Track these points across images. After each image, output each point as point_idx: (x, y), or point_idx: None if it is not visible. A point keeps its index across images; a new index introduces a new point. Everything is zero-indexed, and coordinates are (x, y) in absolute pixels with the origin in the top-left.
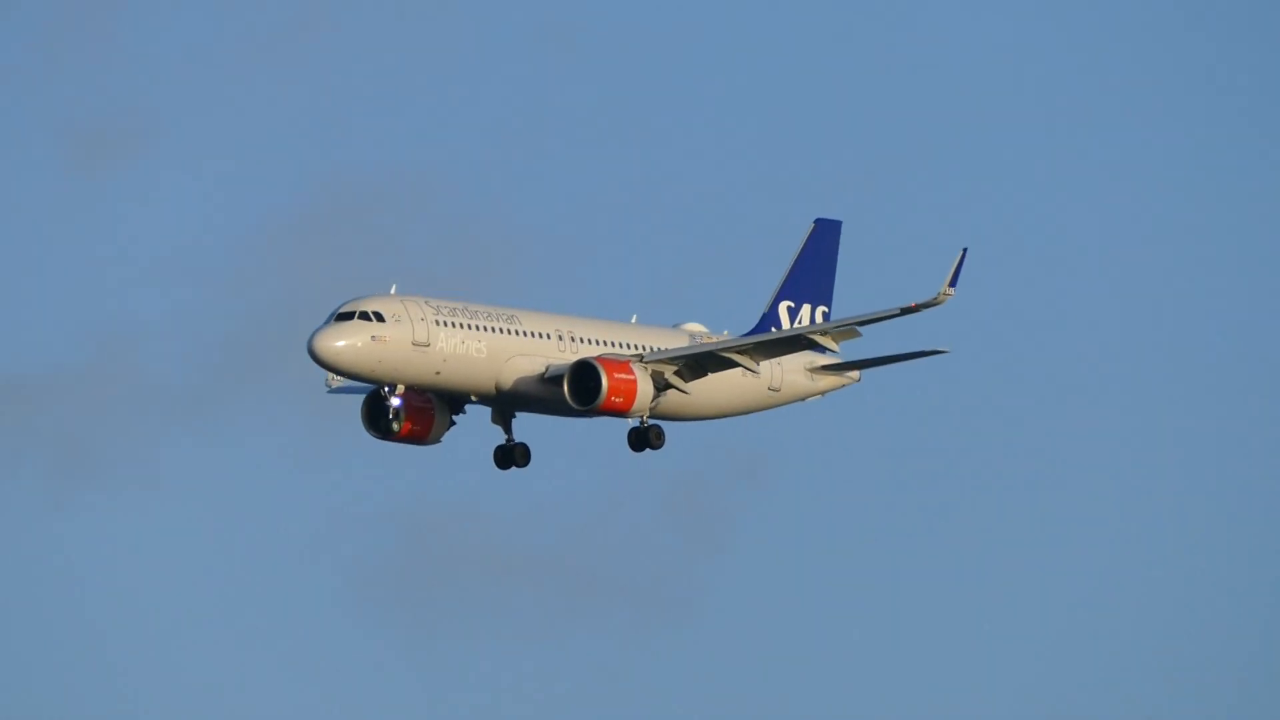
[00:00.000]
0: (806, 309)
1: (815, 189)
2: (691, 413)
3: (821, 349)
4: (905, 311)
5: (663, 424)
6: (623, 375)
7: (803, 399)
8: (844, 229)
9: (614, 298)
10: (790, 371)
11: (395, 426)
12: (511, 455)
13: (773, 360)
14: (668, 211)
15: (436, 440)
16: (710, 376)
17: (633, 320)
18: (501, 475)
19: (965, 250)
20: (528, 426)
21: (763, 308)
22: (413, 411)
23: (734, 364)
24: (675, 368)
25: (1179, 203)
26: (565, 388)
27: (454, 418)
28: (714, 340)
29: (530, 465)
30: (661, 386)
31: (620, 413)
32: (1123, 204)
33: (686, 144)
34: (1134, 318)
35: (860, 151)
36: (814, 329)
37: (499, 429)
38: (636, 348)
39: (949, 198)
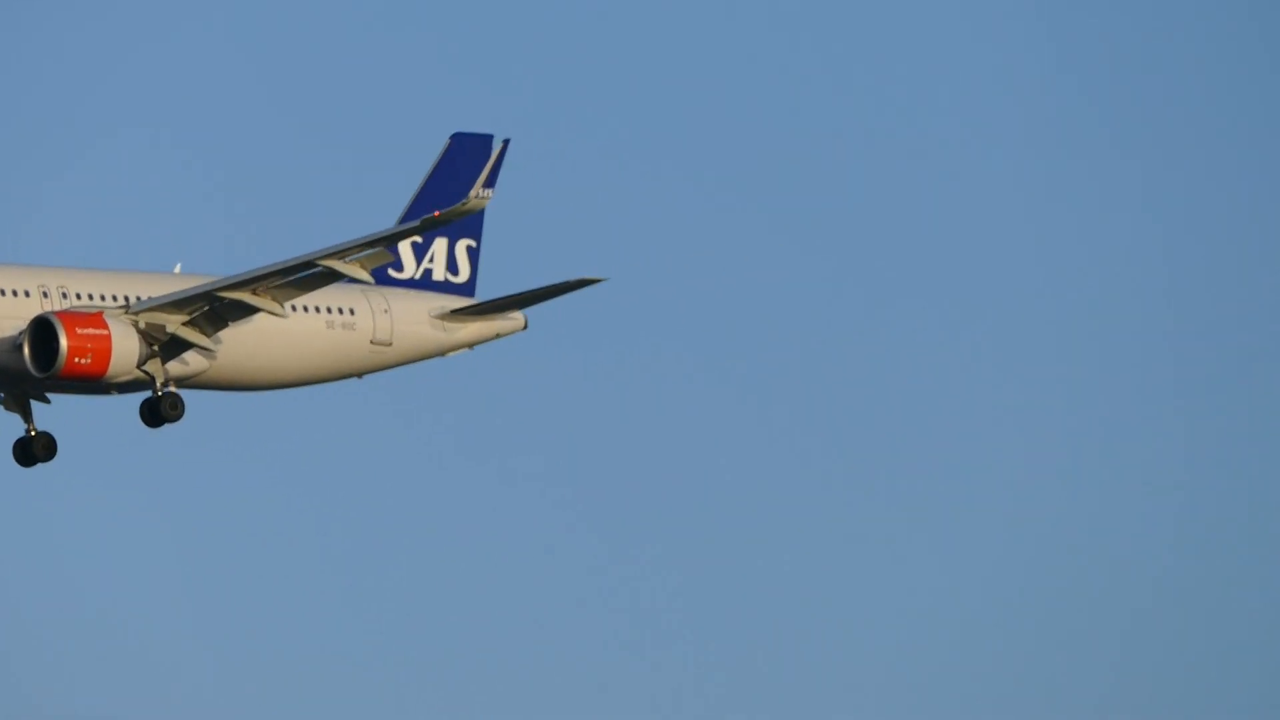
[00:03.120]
0: (441, 244)
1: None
2: (266, 379)
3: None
4: (427, 224)
5: (229, 393)
6: (90, 330)
7: (441, 354)
8: (511, 146)
9: (182, 245)
10: (406, 321)
11: None
12: (31, 448)
13: (377, 309)
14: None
15: None
16: (282, 333)
17: (175, 270)
18: (25, 473)
19: (507, 142)
20: (52, 412)
21: None
22: None
23: (255, 309)
24: (183, 317)
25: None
26: (26, 351)
27: None
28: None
29: (56, 457)
30: (166, 343)
31: (94, 376)
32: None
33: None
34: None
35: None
36: (320, 253)
37: (17, 418)
38: (139, 299)
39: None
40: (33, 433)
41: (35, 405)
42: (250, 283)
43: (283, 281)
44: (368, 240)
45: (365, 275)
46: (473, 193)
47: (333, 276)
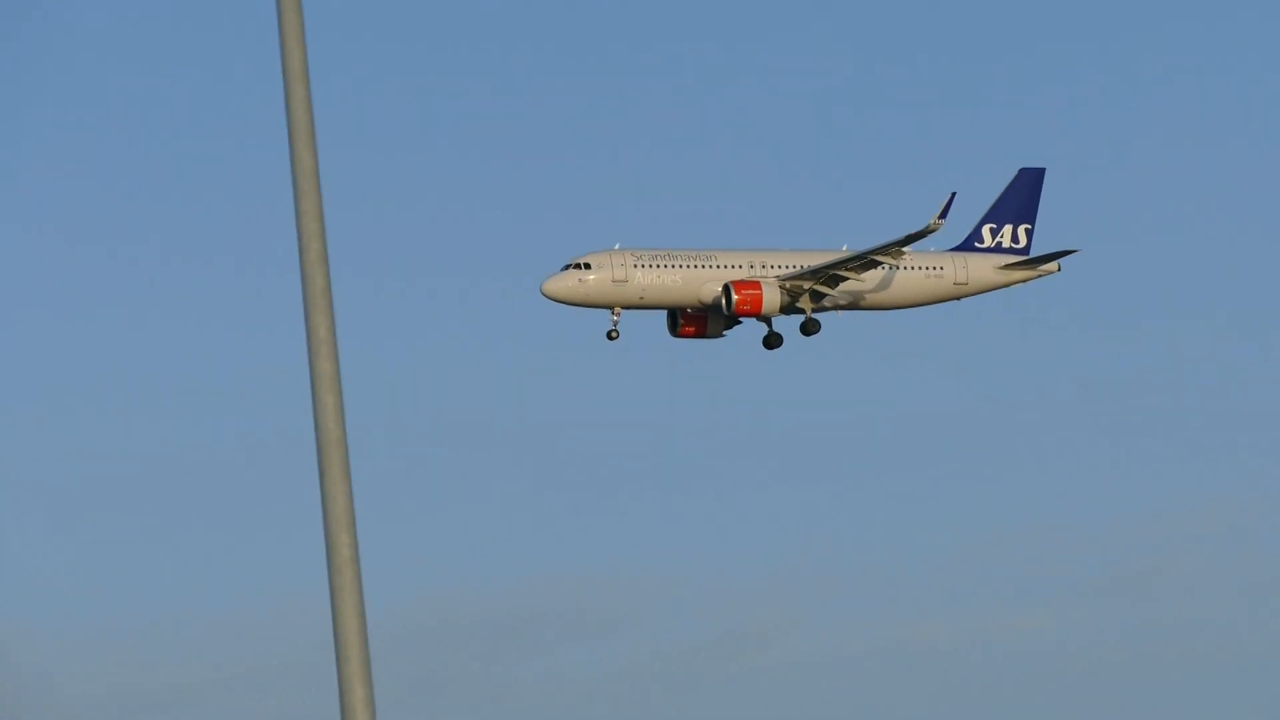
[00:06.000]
0: (1009, 228)
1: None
2: (891, 303)
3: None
4: (908, 239)
5: (872, 312)
6: (749, 290)
7: (1003, 286)
8: (1048, 175)
9: (854, 231)
10: (977, 270)
11: (615, 336)
12: (770, 341)
13: (959, 265)
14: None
15: (717, 335)
16: (900, 282)
17: (844, 249)
18: (767, 353)
19: (954, 194)
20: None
21: (968, 230)
22: (693, 320)
23: (844, 278)
24: (813, 281)
25: None
26: (723, 300)
27: (740, 320)
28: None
29: (783, 346)
30: (807, 293)
31: (754, 313)
32: None
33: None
34: None
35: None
36: (870, 250)
37: (764, 326)
38: (801, 268)
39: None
40: (771, 332)
41: (775, 321)
42: (841, 263)
43: (858, 264)
44: (866, 252)
45: (894, 259)
46: (932, 221)
47: (877, 263)
